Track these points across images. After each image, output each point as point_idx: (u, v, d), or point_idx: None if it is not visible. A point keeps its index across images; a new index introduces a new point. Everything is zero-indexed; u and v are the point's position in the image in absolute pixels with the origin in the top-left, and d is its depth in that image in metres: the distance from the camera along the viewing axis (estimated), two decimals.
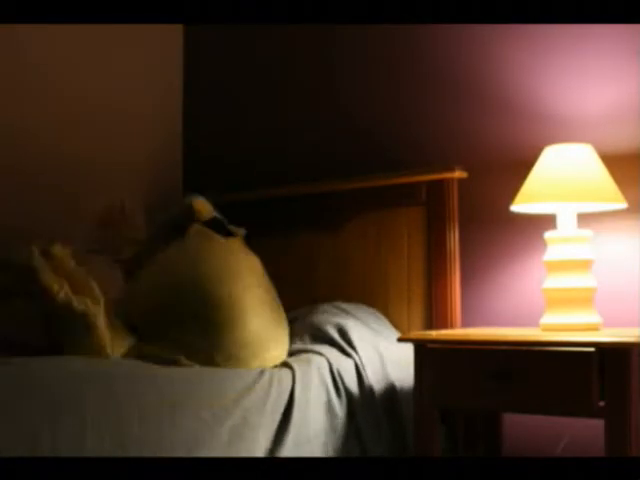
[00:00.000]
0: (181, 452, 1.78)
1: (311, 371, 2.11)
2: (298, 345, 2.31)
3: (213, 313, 2.13)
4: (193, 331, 2.13)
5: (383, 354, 2.25)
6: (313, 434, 2.03)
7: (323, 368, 2.15)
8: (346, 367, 2.19)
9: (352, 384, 2.17)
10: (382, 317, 2.51)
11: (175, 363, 2.06)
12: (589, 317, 2.03)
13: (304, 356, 2.21)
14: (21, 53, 2.75)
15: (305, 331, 2.35)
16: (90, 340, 2.02)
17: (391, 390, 2.20)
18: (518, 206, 2.17)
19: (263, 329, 2.18)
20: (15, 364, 1.78)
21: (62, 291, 2.01)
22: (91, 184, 2.93)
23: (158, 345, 2.13)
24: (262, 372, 2.05)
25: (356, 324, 2.35)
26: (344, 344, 2.26)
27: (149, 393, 1.80)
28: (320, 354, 2.21)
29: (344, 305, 2.47)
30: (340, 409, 2.11)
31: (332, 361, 2.18)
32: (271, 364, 2.17)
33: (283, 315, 2.33)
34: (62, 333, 2.04)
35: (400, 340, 2.08)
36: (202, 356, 2.11)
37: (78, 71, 2.92)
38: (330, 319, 2.35)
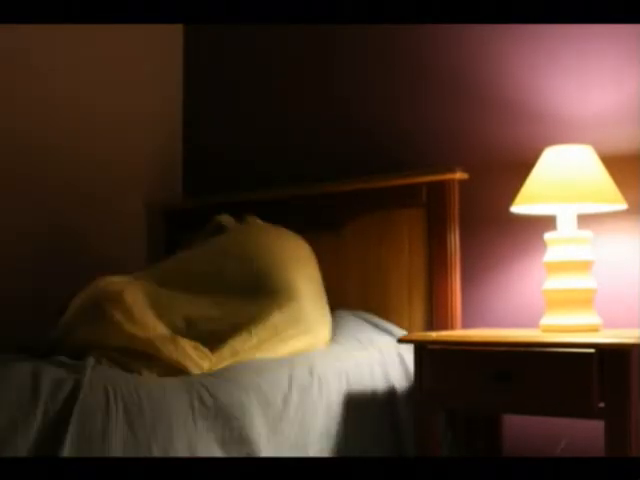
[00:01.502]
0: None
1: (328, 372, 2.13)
2: None
3: (273, 294, 2.25)
4: (251, 305, 2.21)
5: (404, 357, 2.28)
6: (313, 438, 2.03)
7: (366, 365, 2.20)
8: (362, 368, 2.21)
9: (370, 385, 2.19)
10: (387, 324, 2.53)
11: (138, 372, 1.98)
12: (589, 318, 2.04)
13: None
14: (20, 53, 2.75)
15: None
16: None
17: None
18: (518, 207, 2.17)
19: (314, 311, 2.29)
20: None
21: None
22: (91, 184, 2.93)
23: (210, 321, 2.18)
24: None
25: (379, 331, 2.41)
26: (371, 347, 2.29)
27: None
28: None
29: (362, 314, 2.52)
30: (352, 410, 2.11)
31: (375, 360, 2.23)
32: (321, 343, 2.25)
33: (325, 300, 2.43)
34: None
35: (400, 341, 2.09)
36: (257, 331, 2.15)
37: (78, 71, 2.92)
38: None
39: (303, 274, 2.36)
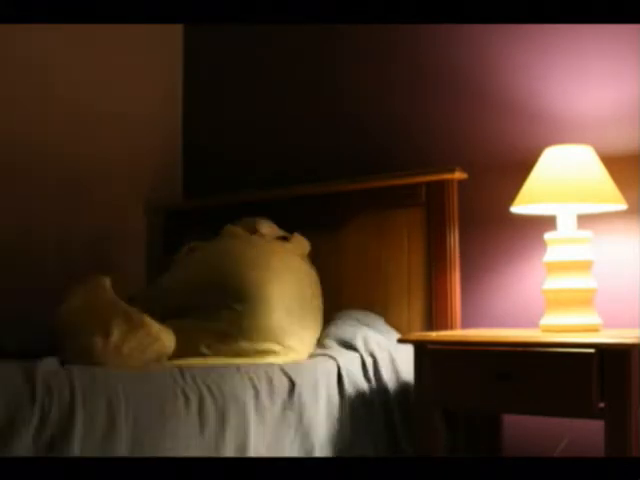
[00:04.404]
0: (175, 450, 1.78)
1: (317, 373, 2.11)
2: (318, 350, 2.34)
3: (239, 295, 2.24)
4: (221, 316, 2.24)
5: (394, 356, 2.27)
6: (318, 441, 2.03)
7: (331, 372, 2.15)
8: (354, 369, 2.20)
9: (361, 386, 2.17)
10: (385, 323, 2.52)
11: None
12: (589, 318, 2.04)
13: (312, 360, 2.23)
14: (19, 53, 2.75)
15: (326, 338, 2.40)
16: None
17: (404, 391, 2.22)
18: (518, 207, 2.17)
19: (287, 323, 2.25)
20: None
21: None
22: (91, 184, 2.93)
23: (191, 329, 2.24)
24: (267, 370, 2.05)
25: (370, 330, 2.37)
26: (362, 350, 2.27)
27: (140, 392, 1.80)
28: (331, 357, 2.22)
29: (355, 313, 2.50)
30: (345, 412, 2.11)
31: (341, 363, 2.18)
32: (290, 359, 2.20)
33: (317, 321, 2.39)
34: None
35: (400, 341, 2.09)
36: (229, 340, 2.20)
37: (78, 71, 2.92)
38: (349, 329, 2.38)
39: (278, 282, 2.31)
